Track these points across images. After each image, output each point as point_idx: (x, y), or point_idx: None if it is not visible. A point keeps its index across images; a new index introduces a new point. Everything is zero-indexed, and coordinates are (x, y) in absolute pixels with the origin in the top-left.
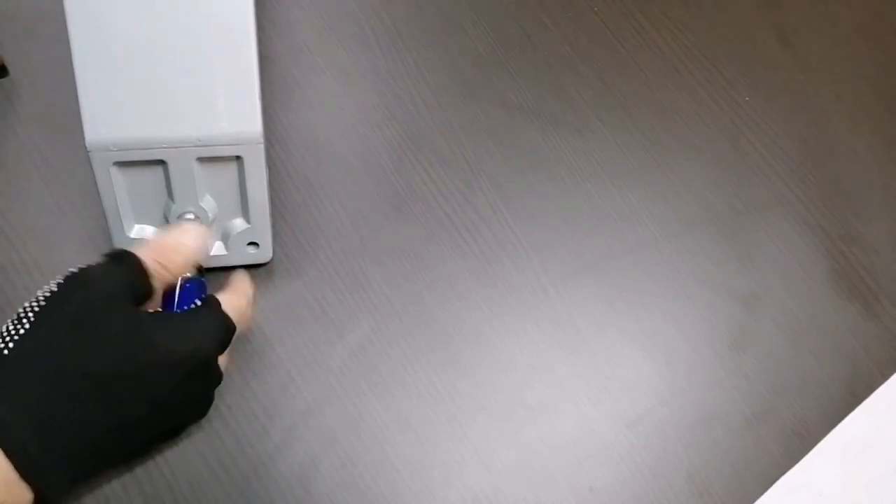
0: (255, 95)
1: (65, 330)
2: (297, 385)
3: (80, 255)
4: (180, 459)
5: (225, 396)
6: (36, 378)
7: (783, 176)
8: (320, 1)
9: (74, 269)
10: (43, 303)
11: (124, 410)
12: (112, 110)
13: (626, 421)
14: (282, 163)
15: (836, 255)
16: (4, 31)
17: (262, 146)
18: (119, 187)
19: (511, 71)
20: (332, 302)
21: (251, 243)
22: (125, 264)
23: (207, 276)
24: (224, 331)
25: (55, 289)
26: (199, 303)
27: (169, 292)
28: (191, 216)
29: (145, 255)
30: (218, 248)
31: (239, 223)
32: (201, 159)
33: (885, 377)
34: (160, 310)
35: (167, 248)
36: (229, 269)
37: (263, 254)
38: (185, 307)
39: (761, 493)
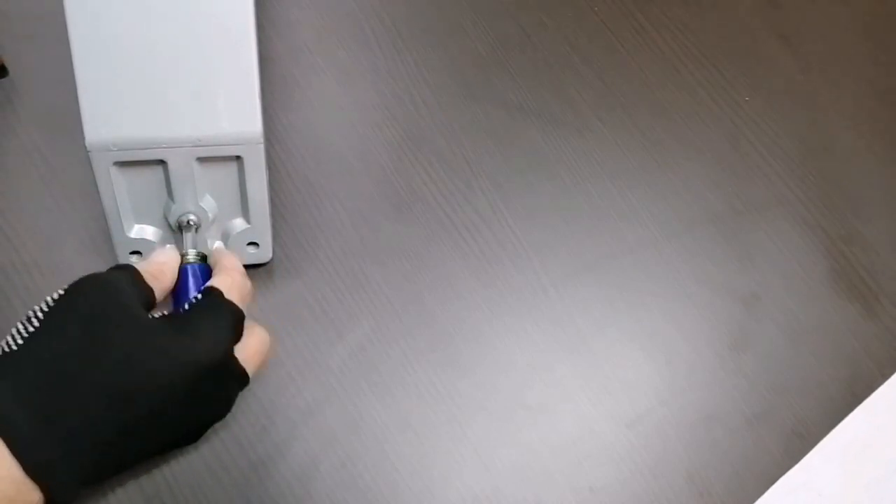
0: (255, 95)
1: (75, 330)
2: (297, 385)
3: (80, 255)
4: (180, 460)
5: None
6: (45, 378)
7: (783, 176)
8: (320, 1)
9: (83, 276)
10: (52, 304)
11: (135, 413)
12: (112, 110)
13: (626, 421)
14: (282, 163)
15: (836, 255)
16: (4, 31)
17: (262, 146)
18: (119, 187)
19: (511, 71)
20: (332, 302)
21: (251, 243)
22: (128, 272)
23: None
24: (232, 320)
25: (63, 291)
26: (199, 296)
27: (179, 284)
28: (191, 217)
29: (139, 265)
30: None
31: (239, 223)
32: (201, 159)
33: (885, 377)
34: (164, 313)
35: (154, 265)
36: None
37: (263, 254)
38: (199, 290)
39: (761, 493)
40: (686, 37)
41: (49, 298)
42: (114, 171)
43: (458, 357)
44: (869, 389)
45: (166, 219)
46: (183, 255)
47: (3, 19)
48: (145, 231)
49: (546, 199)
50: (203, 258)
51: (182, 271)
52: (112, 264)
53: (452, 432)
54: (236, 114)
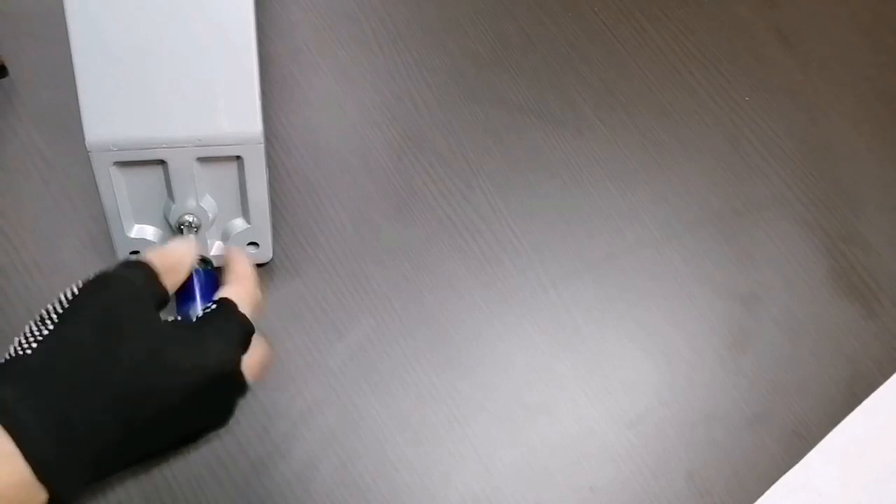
0: (255, 95)
1: (88, 334)
2: (297, 385)
3: (80, 255)
4: (180, 459)
5: None
6: (57, 380)
7: (783, 176)
8: (320, 1)
9: (93, 274)
10: (66, 305)
11: (141, 419)
12: (112, 110)
13: (626, 421)
14: (282, 163)
15: (836, 255)
16: (4, 31)
17: (262, 146)
18: (119, 187)
19: (511, 71)
20: (332, 302)
21: (251, 243)
22: (140, 268)
23: None
24: (242, 335)
25: (77, 291)
26: (213, 305)
27: (184, 288)
28: (190, 218)
29: (152, 260)
30: (218, 248)
31: (239, 223)
32: (201, 159)
33: (885, 377)
34: (178, 318)
35: (167, 253)
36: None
37: (263, 254)
38: (206, 301)
39: (761, 493)
40: (686, 37)
41: (63, 298)
42: (114, 171)
43: (458, 357)
44: (869, 389)
45: (166, 219)
46: None
47: (3, 19)
48: (145, 231)
49: (546, 199)
50: (206, 262)
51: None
52: (112, 264)
53: (452, 432)
54: (236, 114)
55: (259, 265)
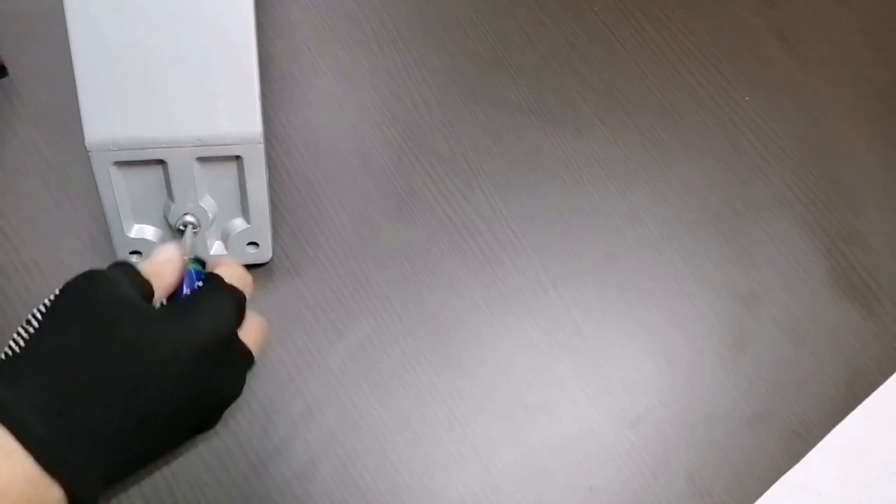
0: (255, 95)
1: (76, 325)
2: (297, 385)
3: (80, 256)
4: (180, 459)
5: None
6: (52, 375)
7: (783, 176)
8: (320, 1)
9: (82, 273)
10: (50, 304)
11: (147, 400)
12: (112, 110)
13: (626, 421)
14: (282, 163)
15: (836, 255)
16: (4, 31)
17: (262, 146)
18: (119, 187)
19: (511, 71)
20: (332, 302)
21: (251, 243)
22: (126, 268)
23: None
24: (235, 301)
25: (59, 291)
26: (200, 283)
27: (176, 290)
28: (190, 218)
29: (140, 265)
30: (218, 248)
31: (239, 223)
32: (201, 159)
33: (885, 377)
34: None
35: (155, 264)
36: None
37: (263, 254)
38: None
39: (761, 493)
40: (686, 37)
41: (46, 300)
42: (114, 171)
43: (458, 357)
44: (869, 389)
45: (166, 219)
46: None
47: (3, 19)
48: (145, 231)
49: (546, 199)
50: (201, 263)
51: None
52: (111, 263)
53: (452, 432)
54: (236, 114)
55: (259, 265)
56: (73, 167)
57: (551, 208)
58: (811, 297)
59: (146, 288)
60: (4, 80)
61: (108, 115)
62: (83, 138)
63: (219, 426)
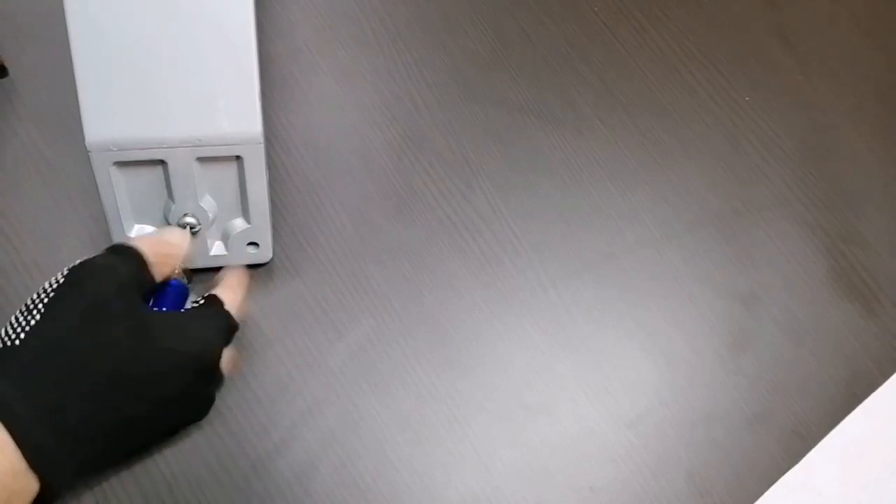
0: (255, 95)
1: (75, 322)
2: (297, 385)
3: (80, 256)
4: (180, 459)
5: (225, 397)
6: (47, 370)
7: (783, 176)
8: (320, 1)
9: (79, 261)
10: (52, 294)
11: (132, 406)
12: (112, 110)
13: (626, 421)
14: (282, 163)
15: (836, 255)
16: (4, 31)
17: (262, 146)
18: (119, 187)
19: (511, 71)
20: (332, 302)
21: (251, 243)
22: (127, 255)
23: (200, 276)
24: (227, 330)
25: (62, 280)
26: (201, 301)
27: (157, 292)
28: (190, 218)
29: (143, 248)
30: (218, 248)
31: (239, 223)
32: (201, 159)
33: (885, 377)
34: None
35: (161, 243)
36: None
37: (263, 254)
38: (165, 308)
39: (761, 493)
40: (686, 37)
41: (48, 286)
42: (114, 171)
43: (458, 357)
44: (869, 389)
45: (166, 219)
46: None
47: (4, 19)
48: (145, 231)
49: (546, 199)
50: (188, 276)
51: (166, 283)
52: (116, 245)
53: (452, 432)
54: (236, 114)
55: (259, 265)
56: (73, 167)
57: (551, 208)
58: (811, 297)
59: (146, 276)
60: (4, 80)
61: (108, 115)
62: (83, 138)
63: (219, 426)
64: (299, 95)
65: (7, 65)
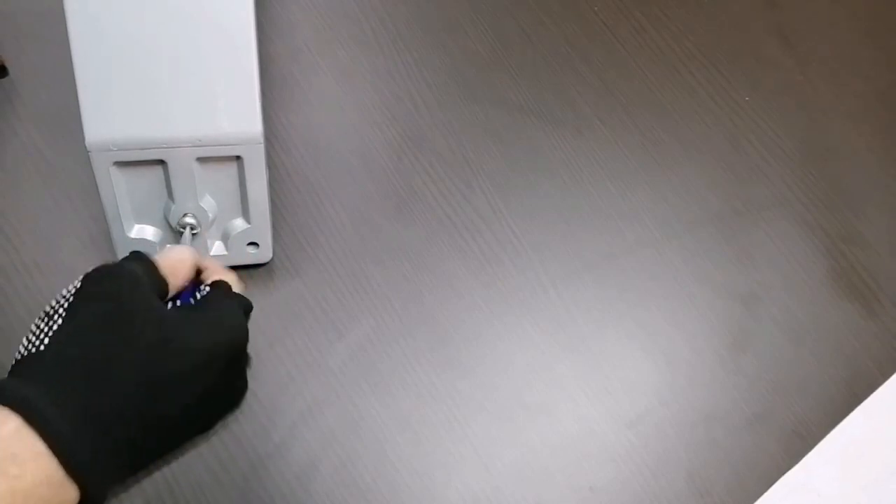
0: (255, 95)
1: (98, 323)
2: (297, 385)
3: (80, 256)
4: (180, 460)
5: None
6: (74, 373)
7: (783, 176)
8: (320, 1)
9: (95, 267)
10: (71, 299)
11: (164, 403)
12: (112, 110)
13: (626, 421)
14: (282, 163)
15: (836, 255)
16: (4, 31)
17: (262, 146)
18: (119, 187)
19: (511, 71)
20: (332, 302)
21: (251, 243)
22: (143, 262)
23: None
24: (245, 307)
25: (80, 285)
26: (206, 290)
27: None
28: (190, 219)
29: (156, 261)
30: (218, 248)
31: (239, 223)
32: (201, 159)
33: (885, 377)
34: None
35: (172, 260)
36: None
37: (263, 254)
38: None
39: (761, 493)
40: (686, 37)
41: (67, 292)
42: (114, 171)
43: (458, 357)
44: (869, 389)
45: (166, 219)
46: None
47: (4, 19)
48: (145, 231)
49: (546, 199)
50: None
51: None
52: (130, 254)
53: (452, 432)
54: (236, 114)
55: (259, 265)
56: (73, 167)
57: (551, 208)
58: (811, 297)
59: (162, 286)
60: (4, 80)
61: (108, 115)
62: (83, 138)
63: (219, 427)
64: (299, 95)
65: (7, 65)
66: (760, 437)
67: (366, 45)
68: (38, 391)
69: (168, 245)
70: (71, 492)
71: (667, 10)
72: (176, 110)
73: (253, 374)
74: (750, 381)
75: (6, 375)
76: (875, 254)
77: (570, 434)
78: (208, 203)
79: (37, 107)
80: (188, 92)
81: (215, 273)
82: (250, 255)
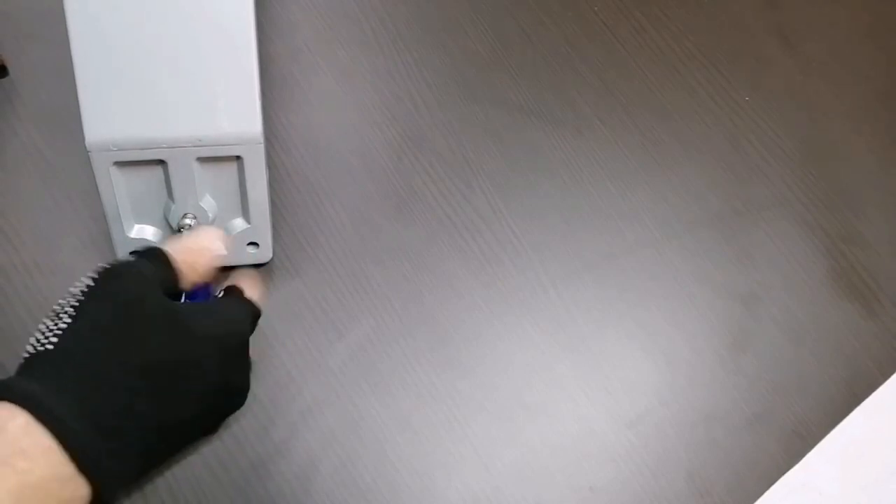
0: (255, 95)
1: (106, 323)
2: (297, 385)
3: (80, 256)
4: (180, 459)
5: None
6: (83, 370)
7: (783, 176)
8: (320, 1)
9: (106, 265)
10: (81, 297)
11: (172, 398)
12: (112, 110)
13: (626, 421)
14: (282, 163)
15: (836, 255)
16: (4, 31)
17: (262, 146)
18: (119, 187)
19: (511, 71)
20: (332, 302)
21: (251, 243)
22: (156, 260)
23: None
24: (253, 313)
25: (90, 283)
26: (221, 293)
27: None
28: (190, 219)
29: (172, 255)
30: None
31: (239, 223)
32: (201, 159)
33: (885, 377)
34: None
35: (194, 251)
36: (229, 268)
37: (263, 254)
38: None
39: (761, 493)
40: (686, 37)
41: (75, 290)
42: (114, 171)
43: (458, 357)
44: (869, 389)
45: (166, 219)
46: None
47: (4, 19)
48: (145, 231)
49: (546, 199)
50: (217, 277)
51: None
52: (142, 249)
53: (452, 432)
54: (236, 114)
55: (259, 265)
56: (73, 167)
57: (551, 208)
58: (811, 297)
59: (173, 280)
60: (4, 80)
61: (108, 115)
62: (83, 138)
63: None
64: (299, 95)
65: (7, 65)
66: (760, 437)
67: (366, 45)
68: (46, 388)
69: (201, 229)
70: (81, 488)
71: (667, 10)
72: (176, 110)
73: (253, 374)
74: (750, 381)
75: (10, 375)
76: (875, 254)
77: (570, 434)
78: (208, 203)
79: (37, 107)
80: (188, 92)
81: (240, 277)
82: (250, 255)
